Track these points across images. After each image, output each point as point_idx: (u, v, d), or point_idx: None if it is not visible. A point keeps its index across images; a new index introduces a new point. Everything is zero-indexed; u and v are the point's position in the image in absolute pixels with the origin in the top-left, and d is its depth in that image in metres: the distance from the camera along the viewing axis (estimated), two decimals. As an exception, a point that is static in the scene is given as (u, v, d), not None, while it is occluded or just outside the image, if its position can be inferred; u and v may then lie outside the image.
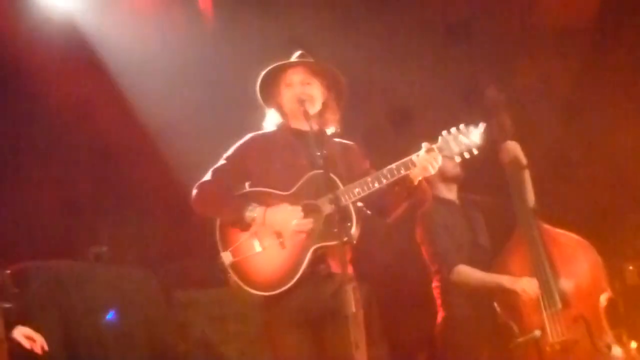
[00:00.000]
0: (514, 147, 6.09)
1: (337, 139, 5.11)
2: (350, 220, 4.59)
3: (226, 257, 4.84)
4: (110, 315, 6.98)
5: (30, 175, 7.24)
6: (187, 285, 7.51)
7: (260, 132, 5.14)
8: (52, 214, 7.40)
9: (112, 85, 7.43)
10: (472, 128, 4.65)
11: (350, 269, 4.76)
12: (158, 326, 7.19)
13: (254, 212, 4.77)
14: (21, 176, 7.21)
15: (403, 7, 7.83)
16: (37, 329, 6.05)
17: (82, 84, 7.37)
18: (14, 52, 7.15)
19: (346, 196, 4.64)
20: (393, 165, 4.70)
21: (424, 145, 4.68)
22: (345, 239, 4.42)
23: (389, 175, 4.69)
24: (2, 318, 4.60)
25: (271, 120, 5.09)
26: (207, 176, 5.05)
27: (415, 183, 4.77)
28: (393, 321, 6.64)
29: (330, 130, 5.09)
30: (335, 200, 4.59)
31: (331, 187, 4.67)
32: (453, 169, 6.19)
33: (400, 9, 7.82)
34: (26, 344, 4.97)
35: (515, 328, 5.86)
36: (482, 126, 4.68)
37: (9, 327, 4.78)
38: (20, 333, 4.97)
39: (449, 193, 6.35)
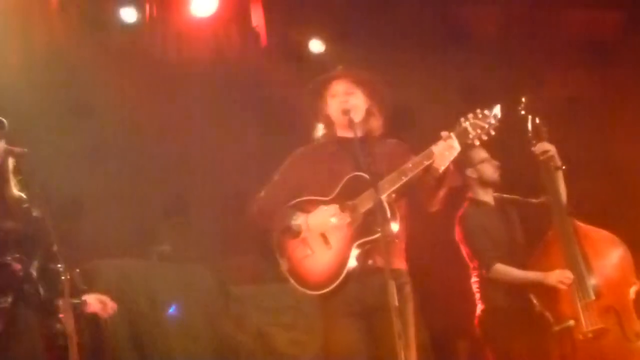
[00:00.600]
0: (549, 148, 6.13)
1: (384, 140, 5.19)
2: (386, 214, 4.67)
3: (283, 263, 5.06)
4: (172, 310, 7.14)
5: (99, 182, 7.41)
6: (242, 281, 7.67)
7: (308, 145, 5.31)
8: (122, 211, 7.57)
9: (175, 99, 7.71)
10: (486, 111, 4.81)
11: (403, 264, 5.07)
12: (216, 319, 7.32)
13: (297, 219, 4.99)
14: (92, 182, 7.36)
15: (438, 22, 8.07)
16: (104, 324, 6.33)
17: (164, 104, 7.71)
18: (91, 69, 7.46)
19: (380, 192, 4.69)
20: (416, 158, 4.83)
21: (442, 134, 4.82)
22: (380, 232, 4.57)
23: (413, 167, 4.81)
24: (72, 314, 4.56)
25: (319, 131, 5.26)
26: (262, 192, 5.25)
27: (440, 171, 4.85)
28: (435, 313, 6.78)
29: (375, 133, 5.17)
30: (370, 197, 4.78)
31: (366, 186, 4.83)
32: (492, 174, 6.37)
33: (435, 24, 8.06)
34: (98, 307, 5.04)
35: (551, 318, 5.94)
36: (496, 108, 4.83)
37: (78, 322, 4.78)
38: (93, 297, 5.03)
39: (485, 195, 6.43)
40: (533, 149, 6.18)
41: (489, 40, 8.02)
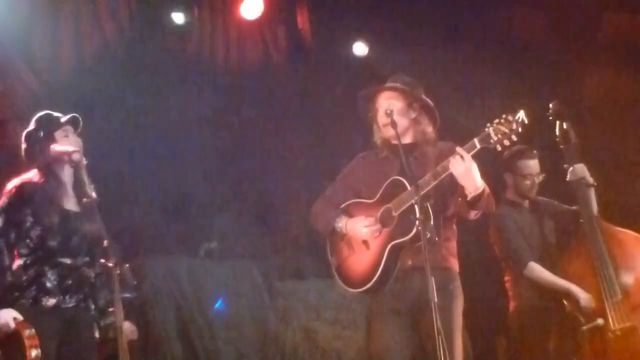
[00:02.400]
0: (581, 170, 6.22)
1: (435, 144, 5.26)
2: (426, 217, 4.72)
3: (333, 261, 5.29)
4: (218, 304, 7.25)
5: (150, 180, 7.53)
6: (286, 277, 7.77)
7: (368, 151, 5.43)
8: (171, 210, 7.65)
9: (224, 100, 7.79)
10: (510, 116, 4.83)
11: (452, 263, 5.20)
12: (261, 313, 7.41)
13: (340, 223, 5.20)
14: (145, 178, 7.48)
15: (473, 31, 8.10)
16: (152, 317, 6.82)
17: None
18: (143, 71, 7.61)
19: (414, 196, 4.78)
20: (436, 168, 4.91)
21: (457, 149, 4.88)
22: (412, 234, 4.77)
23: (440, 174, 4.89)
24: (122, 307, 4.64)
25: (377, 136, 5.34)
26: (323, 194, 5.47)
27: (469, 197, 4.89)
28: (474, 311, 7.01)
29: (427, 137, 5.25)
30: (404, 200, 4.94)
31: (404, 189, 4.99)
32: (528, 191, 6.45)
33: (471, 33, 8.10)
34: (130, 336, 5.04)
35: (581, 317, 6.04)
36: (520, 113, 4.84)
37: (128, 317, 4.92)
38: (129, 328, 5.08)
39: (522, 199, 6.52)
40: (568, 169, 6.25)
41: (528, 45, 8.06)
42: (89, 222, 5.03)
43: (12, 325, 4.76)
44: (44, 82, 7.23)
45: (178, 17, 7.82)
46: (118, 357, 4.63)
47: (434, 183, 4.94)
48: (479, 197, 4.93)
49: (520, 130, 4.85)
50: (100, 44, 7.60)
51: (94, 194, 5.05)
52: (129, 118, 7.53)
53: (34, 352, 4.66)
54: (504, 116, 4.88)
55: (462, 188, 4.96)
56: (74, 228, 5.03)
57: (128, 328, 5.05)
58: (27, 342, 4.67)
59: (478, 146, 4.88)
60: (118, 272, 4.66)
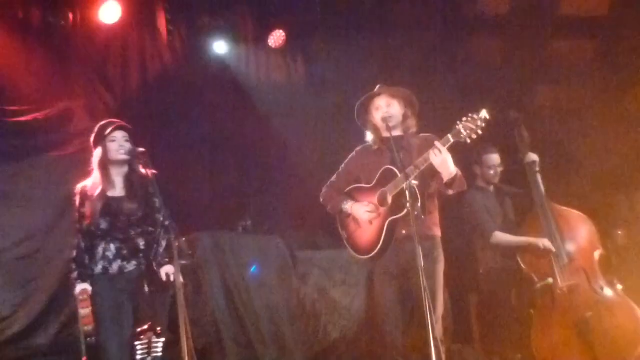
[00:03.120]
0: (532, 156, 6.34)
1: (418, 135, 5.26)
2: (407, 197, 4.75)
3: (343, 234, 5.34)
4: (253, 269, 7.20)
5: (199, 170, 7.59)
6: (306, 248, 7.77)
7: (364, 145, 5.44)
8: (215, 197, 7.67)
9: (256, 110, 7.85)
10: (475, 115, 4.86)
11: (436, 232, 5.20)
12: (286, 276, 7.35)
13: (346, 205, 5.27)
14: (196, 170, 7.53)
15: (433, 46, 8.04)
16: (203, 279, 6.81)
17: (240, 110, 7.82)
18: (194, 88, 7.64)
19: (404, 180, 4.81)
20: (419, 160, 4.92)
21: (436, 143, 4.89)
22: (405, 211, 4.77)
23: (419, 165, 4.91)
24: (180, 272, 4.63)
25: (368, 136, 5.38)
26: (331, 179, 5.48)
27: (445, 180, 4.92)
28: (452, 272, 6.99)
29: (412, 130, 5.28)
30: (396, 185, 5.00)
31: (395, 176, 5.03)
32: (492, 179, 6.56)
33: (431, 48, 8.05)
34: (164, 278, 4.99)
35: (535, 277, 6.15)
36: (483, 112, 4.86)
37: (185, 279, 4.88)
38: (166, 270, 5.01)
39: (487, 185, 6.62)
40: (523, 157, 6.35)
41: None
42: (132, 203, 5.08)
43: (77, 296, 4.88)
44: (117, 98, 7.27)
45: (220, 46, 7.83)
46: (177, 311, 4.62)
47: (417, 172, 4.96)
48: (453, 180, 4.97)
49: (484, 125, 4.88)
50: (160, 66, 7.59)
51: (147, 181, 5.05)
52: (182, 124, 7.53)
53: (85, 328, 4.75)
54: (470, 115, 4.91)
55: (439, 175, 4.99)
56: (118, 210, 5.05)
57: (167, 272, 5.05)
58: (82, 320, 4.78)
59: (452, 140, 4.92)
60: (177, 244, 4.66)
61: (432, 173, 5.09)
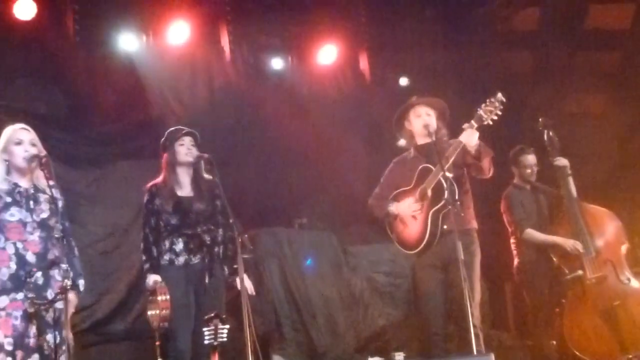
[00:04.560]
0: (563, 161, 6.21)
1: (448, 141, 5.23)
2: (444, 188, 4.82)
3: (393, 236, 5.33)
4: (308, 262, 7.21)
5: (259, 173, 7.52)
6: (356, 242, 7.69)
7: (401, 155, 5.45)
8: (273, 197, 7.64)
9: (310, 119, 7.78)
10: (492, 99, 4.91)
11: (473, 224, 5.19)
12: (338, 268, 7.34)
13: (392, 207, 5.26)
14: (255, 173, 7.48)
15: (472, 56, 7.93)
16: (263, 272, 6.82)
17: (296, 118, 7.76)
18: (255, 99, 7.61)
19: (439, 174, 4.89)
20: (451, 147, 4.96)
21: (464, 126, 4.96)
22: (444, 201, 4.83)
23: (451, 152, 4.95)
24: (242, 266, 4.64)
25: (402, 141, 5.46)
26: (376, 190, 5.47)
27: (473, 151, 4.97)
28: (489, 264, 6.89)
29: (443, 137, 5.28)
30: (432, 179, 5.00)
31: (431, 171, 5.06)
32: (528, 177, 6.43)
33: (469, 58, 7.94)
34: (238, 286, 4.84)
35: (565, 269, 6.06)
36: (498, 95, 4.91)
37: (247, 272, 4.85)
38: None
39: (524, 183, 6.48)
40: (554, 162, 6.23)
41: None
42: (201, 202, 5.06)
43: (152, 284, 4.86)
44: (187, 109, 7.28)
45: (277, 63, 7.83)
46: (240, 300, 4.60)
47: (450, 161, 4.97)
48: (479, 149, 5.00)
49: (501, 106, 4.90)
50: (224, 80, 7.60)
51: (211, 182, 5.04)
52: (244, 132, 7.53)
53: (164, 312, 4.71)
54: (487, 100, 4.96)
55: (468, 153, 4.99)
56: (187, 208, 5.03)
57: (249, 286, 5.04)
58: (160, 304, 4.73)
59: (475, 125, 4.93)
60: (240, 239, 4.64)
61: (463, 163, 5.12)
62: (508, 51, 7.97)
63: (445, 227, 5.01)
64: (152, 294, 4.84)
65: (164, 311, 4.69)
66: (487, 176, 5.22)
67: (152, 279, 4.89)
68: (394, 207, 5.28)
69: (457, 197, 4.87)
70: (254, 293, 5.13)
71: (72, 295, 4.26)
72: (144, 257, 5.01)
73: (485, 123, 4.92)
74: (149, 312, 4.85)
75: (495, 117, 4.90)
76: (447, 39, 7.93)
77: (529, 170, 6.47)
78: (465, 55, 7.97)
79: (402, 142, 5.45)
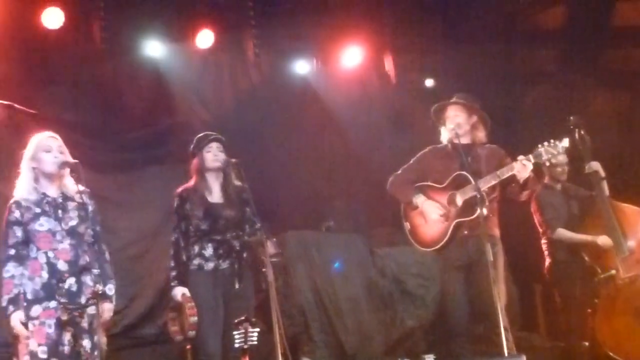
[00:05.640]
0: (595, 165, 6.14)
1: (485, 145, 5.26)
2: (478, 203, 4.79)
3: (406, 225, 5.31)
4: (336, 265, 7.18)
5: (286, 177, 7.55)
6: (382, 244, 7.64)
7: (435, 146, 5.38)
8: (301, 201, 7.62)
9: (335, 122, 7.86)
10: (557, 142, 4.88)
11: (496, 232, 5.17)
12: (366, 270, 7.32)
13: (418, 199, 5.22)
14: (283, 177, 7.50)
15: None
16: (292, 274, 6.81)
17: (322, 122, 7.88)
18: (280, 103, 7.65)
19: (478, 186, 4.81)
20: (503, 169, 4.95)
21: (519, 158, 4.92)
22: (477, 214, 4.79)
23: (500, 175, 4.93)
24: (271, 268, 4.67)
25: (444, 136, 5.33)
26: (399, 171, 5.41)
27: (521, 182, 4.93)
28: (519, 264, 6.82)
29: (480, 141, 5.27)
30: (469, 190, 4.97)
31: (466, 182, 5.01)
32: (559, 176, 6.39)
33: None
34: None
35: (598, 269, 6.02)
36: (565, 141, 4.90)
37: (275, 275, 4.90)
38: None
39: (555, 183, 6.45)
40: (585, 168, 6.15)
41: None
42: (230, 209, 5.05)
43: (179, 299, 4.87)
44: (213, 114, 7.32)
45: (302, 66, 7.83)
46: (269, 304, 4.62)
47: (493, 183, 4.98)
48: (528, 181, 4.99)
49: (563, 152, 4.97)
50: (249, 85, 7.63)
51: (239, 187, 5.06)
52: (270, 136, 7.55)
53: (192, 319, 4.72)
54: (552, 141, 4.91)
55: (516, 181, 4.97)
56: (217, 215, 5.02)
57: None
58: (187, 312, 4.75)
59: (532, 160, 4.90)
60: (268, 243, 4.67)
61: (502, 182, 5.06)
62: (534, 50, 7.88)
63: (466, 232, 5.04)
64: (178, 307, 4.87)
65: (191, 318, 4.71)
66: (521, 200, 5.24)
67: (180, 291, 4.89)
68: (420, 201, 5.24)
69: (486, 213, 4.84)
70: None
71: (106, 302, 4.32)
72: (172, 264, 5.00)
73: (542, 163, 4.98)
74: (171, 328, 4.89)
75: (554, 162, 4.99)
76: (472, 39, 7.88)
77: (559, 169, 6.40)
78: (491, 55, 7.93)
79: (443, 136, 5.36)
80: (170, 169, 6.72)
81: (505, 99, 7.71)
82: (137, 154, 7.01)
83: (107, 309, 4.36)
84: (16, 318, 4.18)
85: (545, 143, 4.89)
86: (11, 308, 4.17)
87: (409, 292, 7.40)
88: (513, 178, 4.98)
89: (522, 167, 4.89)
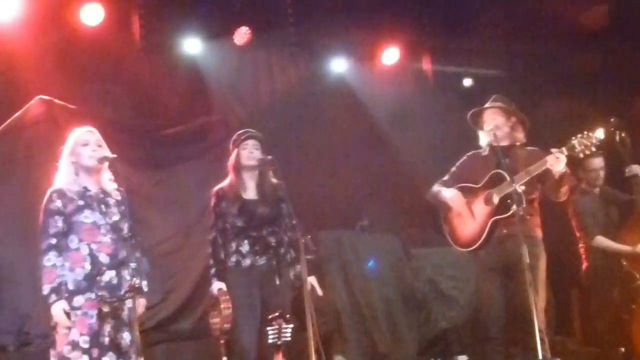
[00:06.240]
0: (636, 168, 6.03)
1: (526, 147, 5.21)
2: (519, 199, 4.69)
3: (445, 227, 5.30)
4: (370, 264, 7.19)
5: (322, 175, 7.54)
6: (418, 245, 7.63)
7: (474, 151, 5.37)
8: (335, 200, 7.61)
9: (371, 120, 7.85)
10: (591, 133, 4.78)
11: (538, 233, 5.09)
12: (400, 271, 7.32)
13: (453, 198, 5.20)
14: (318, 175, 7.49)
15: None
16: (326, 272, 6.78)
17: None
18: (316, 101, 7.62)
19: (514, 184, 4.75)
20: (536, 164, 4.86)
21: (552, 150, 4.82)
22: (513, 211, 4.70)
23: (533, 170, 4.86)
24: (306, 266, 4.66)
25: (483, 140, 5.31)
26: (441, 179, 5.39)
27: (557, 176, 4.83)
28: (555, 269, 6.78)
29: (519, 142, 5.22)
30: (505, 188, 4.94)
31: (503, 180, 4.98)
32: (595, 181, 6.35)
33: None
34: (308, 287, 4.85)
35: (636, 274, 5.99)
36: (599, 131, 4.79)
37: (310, 273, 4.86)
38: (311, 281, 5.01)
39: (592, 188, 6.41)
40: (625, 172, 6.05)
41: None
42: (265, 206, 5.11)
43: (216, 293, 4.94)
44: (249, 112, 7.36)
45: (339, 64, 7.83)
46: (302, 300, 4.62)
47: (527, 178, 4.90)
48: (563, 176, 4.87)
49: (598, 144, 4.79)
50: (285, 84, 7.66)
51: (275, 185, 5.08)
52: (306, 134, 7.55)
53: (226, 312, 4.80)
54: (586, 132, 4.81)
55: (552, 176, 4.87)
56: (252, 211, 5.08)
57: (315, 285, 5.13)
58: (223, 305, 4.81)
59: (566, 153, 4.80)
60: (303, 240, 4.66)
61: (539, 178, 5.00)
62: (576, 50, 7.77)
63: (505, 231, 4.98)
64: (215, 302, 4.92)
65: (226, 311, 4.77)
66: (560, 200, 5.15)
67: (217, 286, 4.97)
68: (455, 200, 5.24)
69: (522, 211, 4.77)
70: (321, 293, 5.20)
71: (141, 297, 4.39)
72: (211, 262, 5.09)
73: (576, 155, 4.85)
74: (211, 320, 4.94)
75: (588, 153, 4.82)
76: (511, 40, 7.83)
77: (593, 174, 6.36)
78: (531, 56, 7.88)
79: (482, 140, 5.34)
80: (206, 166, 6.78)
81: (545, 99, 7.61)
82: (173, 151, 7.05)
83: (142, 304, 4.43)
84: (59, 307, 4.23)
85: (579, 135, 4.81)
86: (54, 297, 4.22)
87: (443, 293, 7.37)
88: (549, 174, 4.90)
89: (555, 160, 4.80)
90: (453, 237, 5.29)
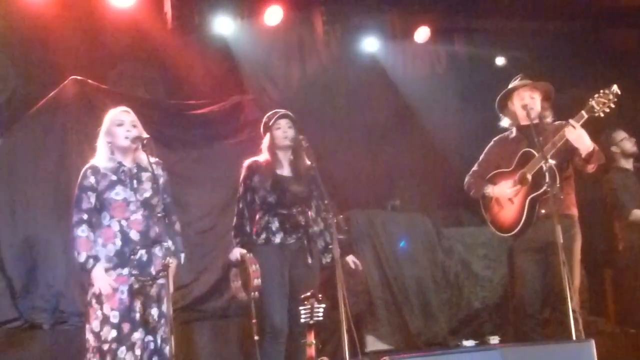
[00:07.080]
0: None
1: (553, 123, 5.16)
2: (550, 175, 4.69)
3: (487, 216, 5.28)
4: (402, 244, 7.16)
5: (353, 155, 7.61)
6: (450, 224, 7.65)
7: (501, 135, 5.35)
8: (367, 179, 7.65)
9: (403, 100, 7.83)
10: (607, 90, 4.73)
11: (573, 211, 5.06)
12: (432, 251, 7.25)
13: (487, 189, 5.20)
14: (350, 155, 7.58)
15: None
16: (358, 252, 6.51)
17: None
18: (348, 81, 7.69)
19: (542, 159, 4.75)
20: (555, 138, 4.84)
21: (569, 121, 4.78)
22: (545, 187, 4.71)
23: (556, 142, 4.82)
24: (338, 246, 4.62)
25: (505, 121, 5.31)
26: (473, 168, 5.39)
27: (583, 155, 4.77)
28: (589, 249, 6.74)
29: (547, 118, 5.20)
30: (535, 164, 4.91)
31: (532, 157, 4.96)
32: (631, 148, 6.30)
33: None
34: (352, 266, 5.12)
35: None
36: (614, 87, 4.73)
37: (343, 253, 4.88)
38: (351, 259, 5.14)
39: (627, 164, 6.37)
40: None
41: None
42: (298, 184, 5.08)
43: (238, 257, 4.93)
44: (281, 92, 7.37)
45: (371, 43, 7.78)
46: (335, 280, 4.58)
47: (553, 150, 4.84)
48: (591, 154, 4.81)
49: (615, 99, 4.71)
50: (317, 64, 7.64)
51: (309, 165, 5.06)
52: (338, 114, 7.55)
53: (255, 281, 4.77)
54: (601, 91, 4.75)
55: (577, 150, 4.82)
56: (285, 188, 5.05)
57: (353, 261, 5.16)
58: (252, 274, 4.78)
59: (585, 116, 4.76)
60: (335, 220, 4.63)
61: (569, 153, 4.95)
62: (614, 29, 7.64)
63: (543, 211, 4.92)
64: (239, 265, 4.91)
65: (255, 280, 4.76)
66: (589, 172, 5.07)
67: (238, 251, 4.94)
68: (490, 190, 5.23)
69: (557, 184, 4.77)
70: (361, 269, 5.21)
71: (173, 268, 4.36)
72: (234, 232, 5.07)
73: (597, 115, 4.76)
74: (234, 284, 4.94)
75: (608, 110, 4.73)
76: (547, 18, 7.71)
77: (628, 146, 6.34)
78: (567, 34, 7.77)
79: (505, 121, 5.32)
80: (238, 146, 6.78)
81: (583, 79, 7.39)
82: (206, 130, 7.08)
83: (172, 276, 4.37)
84: (100, 269, 4.29)
85: (595, 95, 4.75)
86: (92, 262, 4.28)
87: (475, 273, 7.33)
88: (576, 151, 4.86)
89: (571, 130, 4.76)
90: (495, 224, 5.25)
